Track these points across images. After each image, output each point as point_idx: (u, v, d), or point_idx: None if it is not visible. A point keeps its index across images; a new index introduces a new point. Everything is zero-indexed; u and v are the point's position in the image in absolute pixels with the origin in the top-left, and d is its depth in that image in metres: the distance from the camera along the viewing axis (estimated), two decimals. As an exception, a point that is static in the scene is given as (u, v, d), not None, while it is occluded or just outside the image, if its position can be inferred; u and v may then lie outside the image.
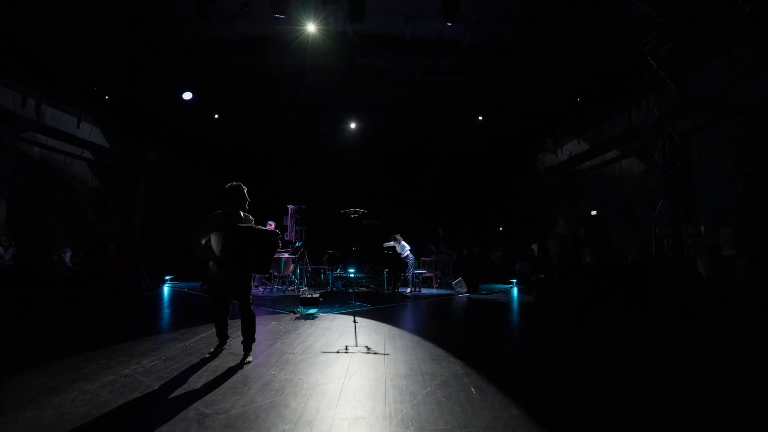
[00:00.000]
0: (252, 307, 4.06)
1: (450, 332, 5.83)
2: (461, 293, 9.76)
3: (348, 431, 2.55)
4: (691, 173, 8.85)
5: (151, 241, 13.16)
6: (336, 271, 10.73)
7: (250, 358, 3.94)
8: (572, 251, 7.88)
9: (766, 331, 5.65)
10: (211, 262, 4.01)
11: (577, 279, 7.18)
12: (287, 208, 10.35)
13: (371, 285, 10.82)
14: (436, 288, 10.90)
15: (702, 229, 8.33)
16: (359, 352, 4.37)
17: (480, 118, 13.45)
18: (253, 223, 4.10)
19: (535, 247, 14.84)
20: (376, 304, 8.01)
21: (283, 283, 9.90)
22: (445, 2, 8.35)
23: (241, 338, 4.05)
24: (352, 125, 13.93)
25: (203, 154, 14.68)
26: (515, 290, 10.73)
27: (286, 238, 10.28)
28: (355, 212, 7.97)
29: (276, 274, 9.70)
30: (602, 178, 12.60)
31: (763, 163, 7.56)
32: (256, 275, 10.04)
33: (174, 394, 3.10)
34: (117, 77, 11.35)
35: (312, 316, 6.49)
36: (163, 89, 12.29)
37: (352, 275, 10.62)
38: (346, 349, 4.48)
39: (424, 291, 10.24)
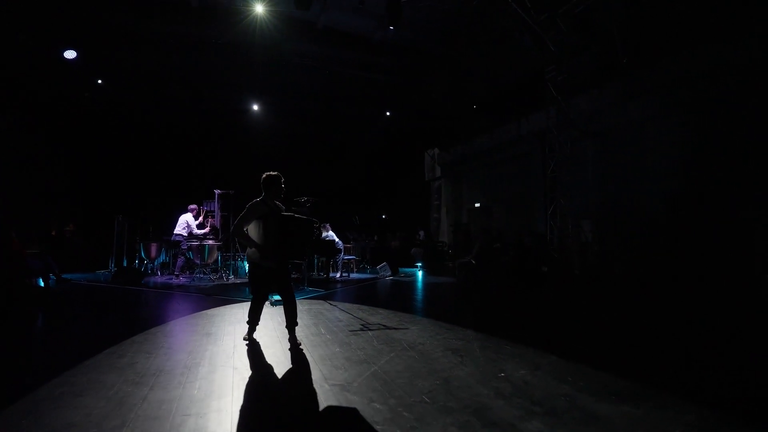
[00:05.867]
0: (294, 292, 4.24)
1: (429, 308, 6.54)
2: (387, 276, 10.63)
3: (463, 391, 3.14)
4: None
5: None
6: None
7: (299, 340, 4.11)
8: (492, 240, 9.42)
9: (608, 294, 7.90)
10: (251, 249, 4.06)
11: (498, 262, 8.71)
12: (213, 192, 9.68)
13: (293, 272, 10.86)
14: (358, 273, 11.56)
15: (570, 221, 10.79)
16: (379, 328, 4.85)
17: (388, 114, 14.41)
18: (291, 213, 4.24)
19: (422, 233, 16.69)
20: (327, 289, 8.30)
21: (206, 272, 9.33)
22: (390, 7, 8.90)
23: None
24: (255, 107, 13.54)
25: (77, 124, 12.39)
26: (420, 273, 12.12)
27: (213, 224, 9.66)
28: (308, 200, 8.15)
29: (198, 262, 9.13)
30: (487, 176, 14.84)
31: (612, 172, 10.21)
32: (177, 265, 9.31)
33: (277, 377, 3.22)
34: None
35: (281, 303, 6.51)
36: (28, 44, 10.07)
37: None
38: (365, 327, 4.91)
39: (352, 276, 10.79)
